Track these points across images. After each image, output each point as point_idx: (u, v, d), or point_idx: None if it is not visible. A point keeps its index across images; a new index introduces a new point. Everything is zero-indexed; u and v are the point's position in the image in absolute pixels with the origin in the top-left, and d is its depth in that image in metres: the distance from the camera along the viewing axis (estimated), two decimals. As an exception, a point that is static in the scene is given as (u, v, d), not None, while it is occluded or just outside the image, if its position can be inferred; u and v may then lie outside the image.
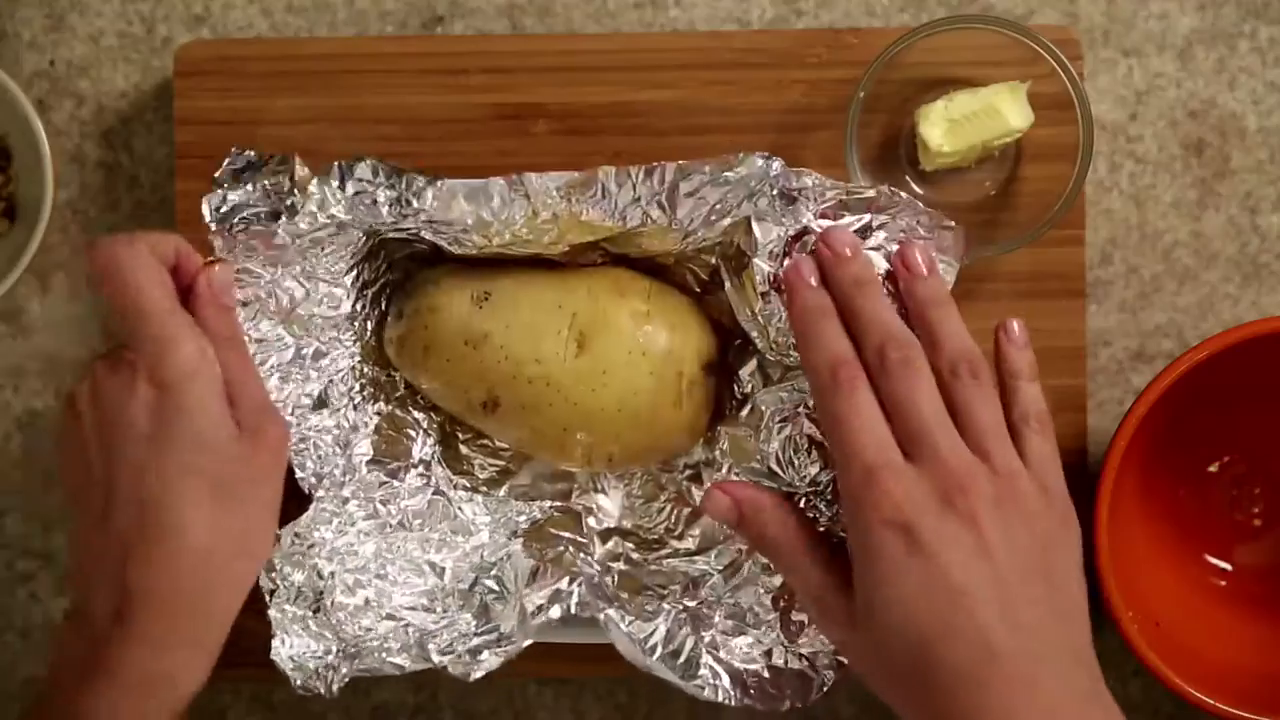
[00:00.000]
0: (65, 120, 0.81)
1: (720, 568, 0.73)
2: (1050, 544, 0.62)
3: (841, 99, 0.75)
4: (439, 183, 0.68)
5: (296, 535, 0.71)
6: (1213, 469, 0.79)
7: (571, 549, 0.74)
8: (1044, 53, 0.72)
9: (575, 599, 0.72)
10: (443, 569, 0.74)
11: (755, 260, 0.69)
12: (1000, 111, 0.74)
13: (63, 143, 0.81)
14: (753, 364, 0.73)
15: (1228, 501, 0.79)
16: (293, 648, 0.71)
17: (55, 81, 0.81)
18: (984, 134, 0.74)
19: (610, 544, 0.75)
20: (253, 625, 0.75)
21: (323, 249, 0.70)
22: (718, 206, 0.69)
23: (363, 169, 0.68)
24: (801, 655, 0.71)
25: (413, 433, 0.75)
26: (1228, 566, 0.79)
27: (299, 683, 0.71)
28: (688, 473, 0.75)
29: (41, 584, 0.81)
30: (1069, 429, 0.77)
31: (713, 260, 0.73)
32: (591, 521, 0.75)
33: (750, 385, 0.73)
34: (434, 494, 0.75)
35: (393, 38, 0.80)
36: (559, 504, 0.76)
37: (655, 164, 0.68)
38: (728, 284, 0.72)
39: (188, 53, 0.78)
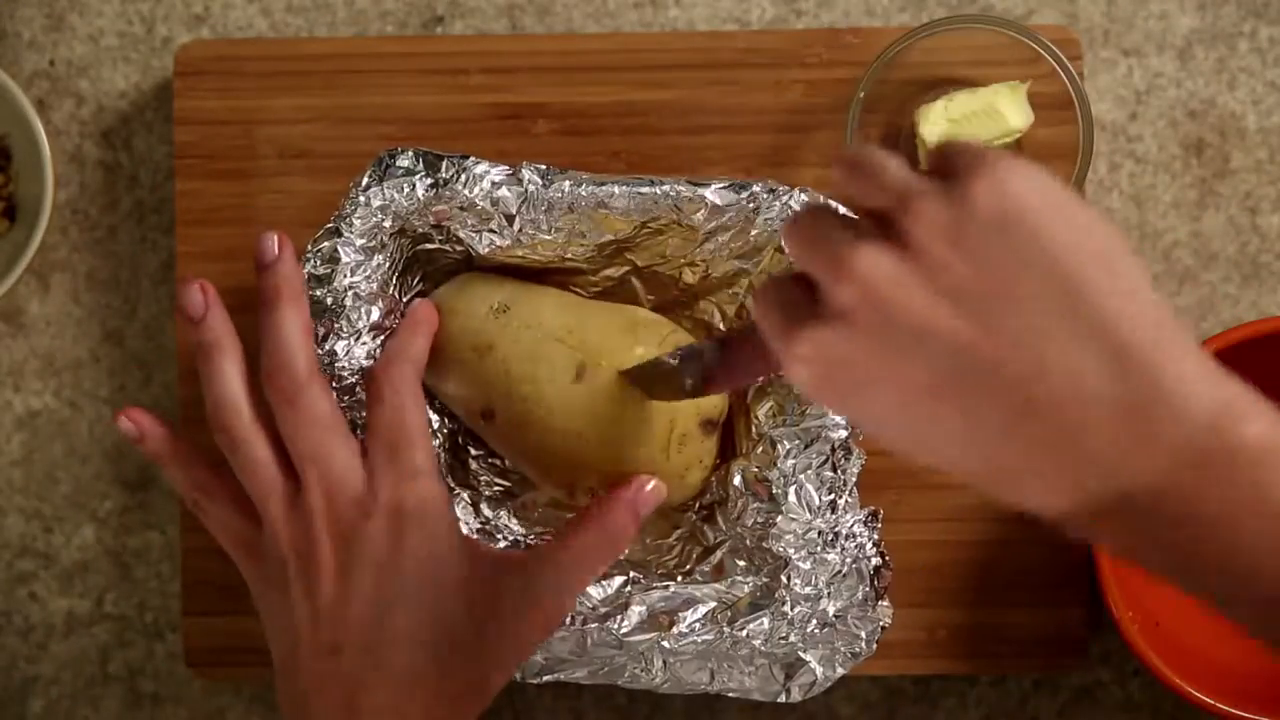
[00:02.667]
0: (65, 120, 0.81)
1: (732, 599, 0.72)
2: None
3: (841, 99, 0.75)
4: (472, 160, 0.70)
5: None
6: (1213, 469, 0.79)
7: None
8: (1044, 53, 0.72)
9: None
10: None
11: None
12: (1000, 111, 0.74)
13: (63, 143, 0.81)
14: (770, 404, 0.72)
15: (1228, 501, 0.79)
16: None
17: (55, 81, 0.81)
18: (984, 134, 0.74)
19: (617, 573, 0.74)
20: (253, 626, 0.75)
21: (369, 258, 0.70)
22: (734, 220, 0.70)
23: (404, 160, 0.70)
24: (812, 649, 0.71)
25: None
26: (1228, 566, 0.79)
27: None
28: (703, 513, 0.75)
29: (41, 584, 0.81)
30: (1069, 429, 0.77)
31: (740, 294, 0.73)
32: None
33: (767, 425, 0.72)
34: None
35: (393, 38, 0.80)
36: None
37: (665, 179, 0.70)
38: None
39: (188, 53, 0.78)
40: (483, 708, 0.64)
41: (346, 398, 0.71)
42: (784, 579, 0.70)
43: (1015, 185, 0.47)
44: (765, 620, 0.70)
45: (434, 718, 0.62)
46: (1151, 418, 0.47)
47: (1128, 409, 0.47)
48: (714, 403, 0.72)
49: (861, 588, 0.71)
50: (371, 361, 0.72)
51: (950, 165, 0.49)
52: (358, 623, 0.62)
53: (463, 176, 0.70)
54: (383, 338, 0.73)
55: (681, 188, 0.70)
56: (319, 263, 0.70)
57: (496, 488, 0.76)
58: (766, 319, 0.51)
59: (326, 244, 0.70)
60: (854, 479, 0.71)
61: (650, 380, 0.68)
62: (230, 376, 0.66)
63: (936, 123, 0.74)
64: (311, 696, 0.63)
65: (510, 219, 0.71)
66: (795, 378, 0.51)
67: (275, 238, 0.67)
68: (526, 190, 0.70)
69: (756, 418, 0.72)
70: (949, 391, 0.48)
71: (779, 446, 0.71)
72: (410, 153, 0.70)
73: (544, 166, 0.70)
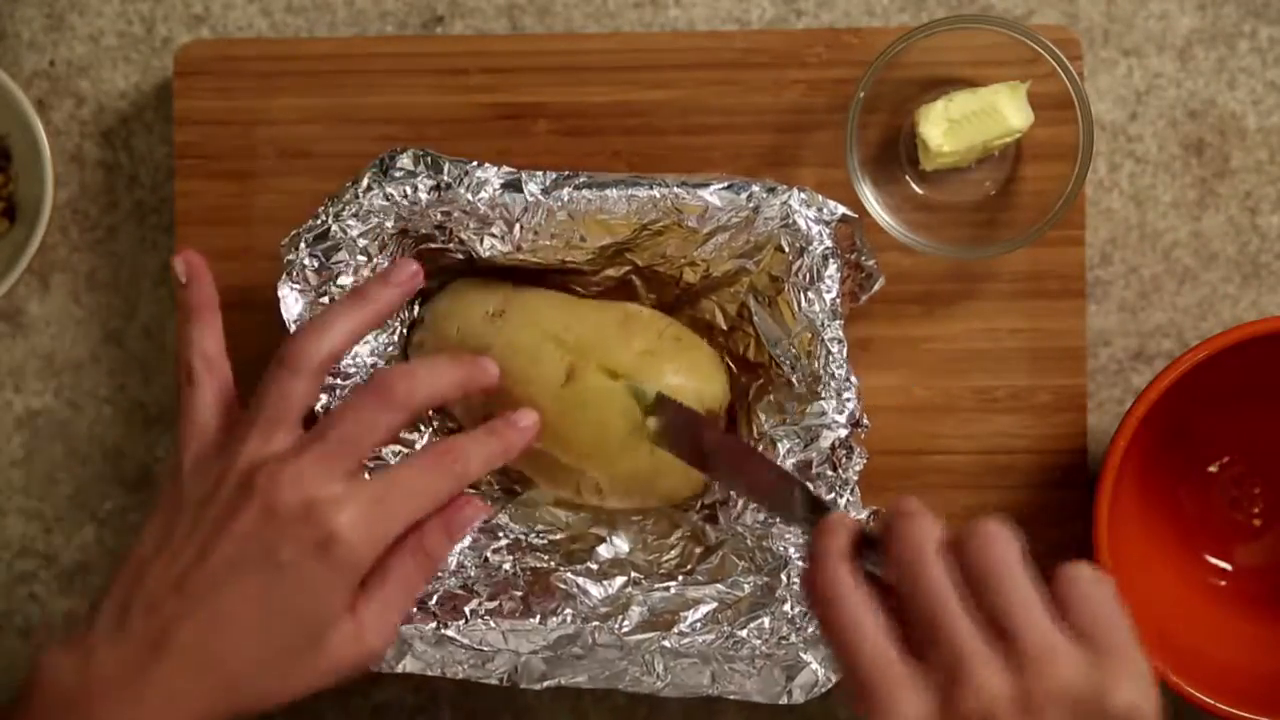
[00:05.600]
0: (65, 120, 0.81)
1: (733, 599, 0.72)
2: None
3: (841, 99, 0.75)
4: (474, 164, 0.70)
5: None
6: (1213, 469, 0.79)
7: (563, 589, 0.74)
8: (1044, 53, 0.72)
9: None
10: None
11: (789, 284, 0.70)
12: (1000, 111, 0.74)
13: (63, 143, 0.81)
14: (769, 401, 0.72)
15: (1228, 501, 0.79)
16: None
17: (55, 81, 0.81)
18: (984, 134, 0.74)
19: (618, 572, 0.74)
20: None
21: (371, 258, 0.71)
22: (733, 221, 0.70)
23: (404, 160, 0.70)
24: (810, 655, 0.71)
25: (423, 427, 0.75)
26: (1228, 566, 0.79)
27: None
28: (705, 512, 0.75)
29: (41, 584, 0.81)
30: (1069, 429, 0.77)
31: (741, 293, 0.73)
32: (602, 550, 0.75)
33: (768, 424, 0.72)
34: None
35: (393, 38, 0.80)
36: (567, 532, 0.76)
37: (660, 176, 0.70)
38: (756, 316, 0.72)
39: (188, 53, 0.78)
40: (254, 709, 0.63)
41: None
42: (784, 578, 0.70)
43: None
44: (766, 620, 0.70)
45: (218, 691, 0.61)
46: None
47: None
48: (715, 393, 0.72)
49: None
50: (376, 360, 0.72)
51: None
52: (208, 579, 0.61)
53: (465, 180, 0.70)
54: (384, 335, 0.73)
55: (680, 189, 0.70)
56: (321, 263, 0.70)
57: (497, 488, 0.76)
58: (870, 646, 0.53)
59: (328, 244, 0.70)
60: (855, 478, 0.71)
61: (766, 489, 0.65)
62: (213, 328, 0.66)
63: (936, 123, 0.74)
64: (134, 608, 0.61)
65: (511, 225, 0.71)
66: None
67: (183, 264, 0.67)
68: (528, 198, 0.70)
69: (758, 416, 0.72)
70: None
71: (779, 445, 0.71)
72: (411, 154, 0.70)
73: (545, 174, 0.70)
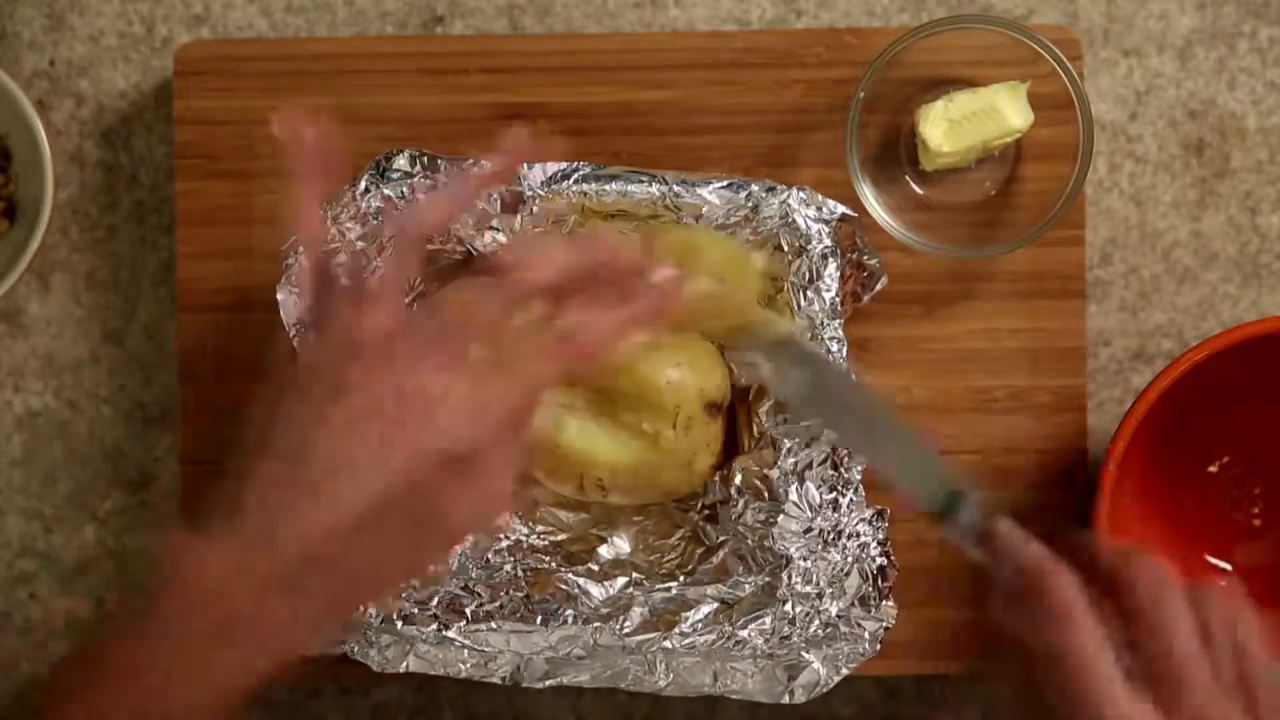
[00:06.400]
0: (65, 120, 0.81)
1: (734, 599, 0.72)
2: None
3: (841, 99, 0.75)
4: (470, 162, 0.70)
5: None
6: (1213, 469, 0.79)
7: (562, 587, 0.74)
8: (1044, 53, 0.72)
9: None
10: None
11: (788, 283, 0.70)
12: (1000, 111, 0.74)
13: (63, 143, 0.81)
14: (771, 401, 0.72)
15: (1228, 501, 0.79)
16: None
17: (55, 81, 0.81)
18: (984, 134, 0.74)
19: (619, 573, 0.74)
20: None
21: (368, 260, 0.70)
22: (732, 219, 0.70)
23: (401, 160, 0.70)
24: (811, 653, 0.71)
25: None
26: (1228, 566, 0.79)
27: None
28: (705, 512, 0.75)
29: (41, 584, 0.81)
30: (1069, 429, 0.77)
31: None
32: (603, 551, 0.75)
33: (769, 423, 0.72)
34: None
35: (393, 38, 0.80)
36: (568, 533, 0.76)
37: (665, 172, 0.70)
38: None
39: (188, 53, 0.78)
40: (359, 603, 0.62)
41: None
42: (785, 577, 0.71)
43: None
44: (767, 619, 0.70)
45: (340, 586, 0.58)
46: None
47: None
48: (717, 384, 0.72)
49: (864, 587, 0.71)
50: None
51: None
52: (315, 473, 0.57)
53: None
54: None
55: (679, 187, 0.70)
56: None
57: None
58: (1104, 678, 0.55)
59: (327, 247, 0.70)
60: (858, 477, 0.71)
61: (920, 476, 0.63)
62: None
63: (936, 123, 0.74)
64: (247, 503, 0.57)
65: (511, 216, 0.71)
66: None
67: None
68: (527, 191, 0.70)
69: (758, 416, 0.72)
70: None
71: (780, 445, 0.71)
72: (407, 154, 0.70)
73: (543, 166, 0.70)
